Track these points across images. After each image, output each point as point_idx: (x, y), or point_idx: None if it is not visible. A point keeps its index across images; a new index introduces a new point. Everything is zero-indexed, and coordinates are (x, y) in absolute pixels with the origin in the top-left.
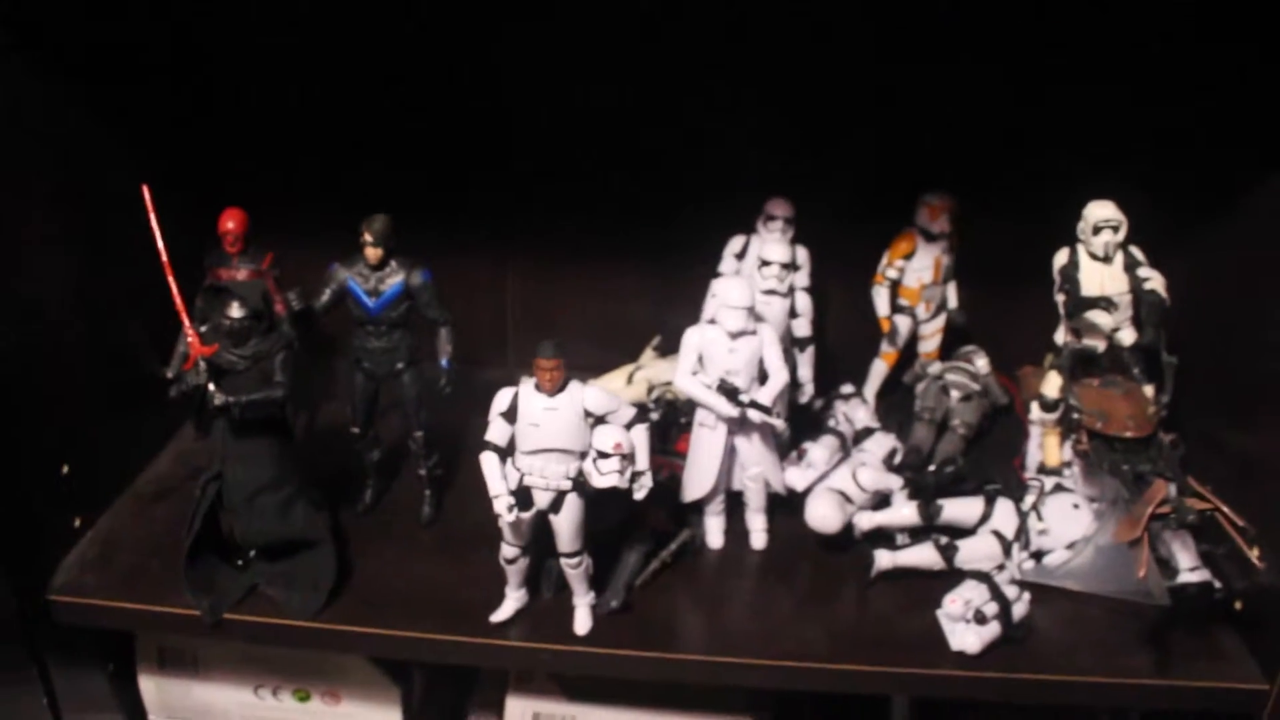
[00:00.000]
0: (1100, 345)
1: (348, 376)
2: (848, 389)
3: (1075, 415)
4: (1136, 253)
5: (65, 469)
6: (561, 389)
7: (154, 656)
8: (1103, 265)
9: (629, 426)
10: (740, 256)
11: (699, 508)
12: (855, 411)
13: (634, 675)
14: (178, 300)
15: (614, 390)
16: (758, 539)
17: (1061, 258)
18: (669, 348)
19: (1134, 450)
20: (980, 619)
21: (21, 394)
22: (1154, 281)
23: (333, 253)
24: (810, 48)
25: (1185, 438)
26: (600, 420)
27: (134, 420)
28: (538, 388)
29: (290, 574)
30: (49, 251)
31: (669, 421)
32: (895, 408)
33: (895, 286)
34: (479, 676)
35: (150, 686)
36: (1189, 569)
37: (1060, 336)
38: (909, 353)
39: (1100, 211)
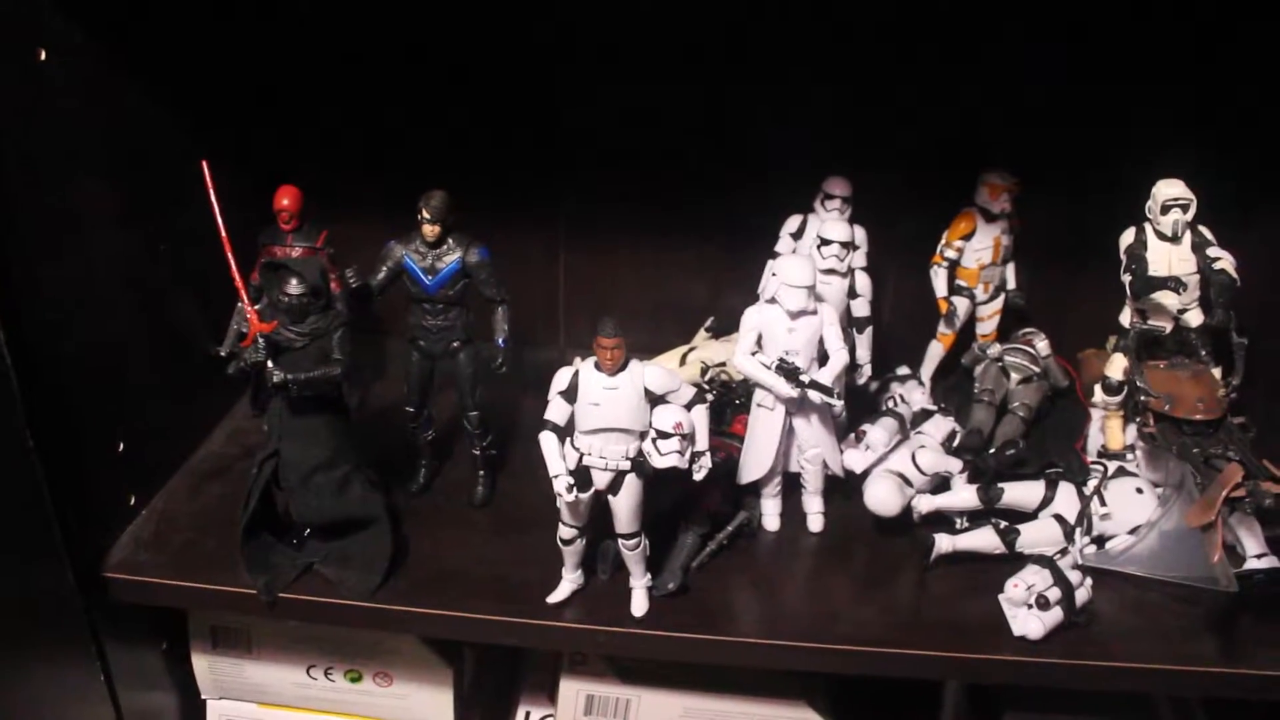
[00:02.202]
0: (1167, 326)
1: (403, 355)
2: (903, 371)
3: (1143, 398)
4: (1205, 232)
5: (120, 446)
6: (622, 368)
7: (207, 635)
8: (1171, 245)
9: (689, 406)
10: (797, 236)
11: (756, 489)
12: (911, 394)
13: (690, 658)
14: (236, 277)
15: None
16: (815, 522)
17: (1128, 237)
18: (722, 329)
19: (1203, 433)
20: (1043, 604)
21: (77, 372)
22: (1223, 261)
23: (383, 230)
24: (867, 27)
25: (1253, 421)
26: (660, 400)
27: (188, 398)
28: (598, 367)
29: (346, 553)
30: (104, 230)
31: (724, 403)
32: (951, 390)
33: (954, 267)
34: (530, 659)
35: (203, 665)
36: (1256, 555)
37: (1126, 318)
38: (966, 335)
39: (1169, 190)
